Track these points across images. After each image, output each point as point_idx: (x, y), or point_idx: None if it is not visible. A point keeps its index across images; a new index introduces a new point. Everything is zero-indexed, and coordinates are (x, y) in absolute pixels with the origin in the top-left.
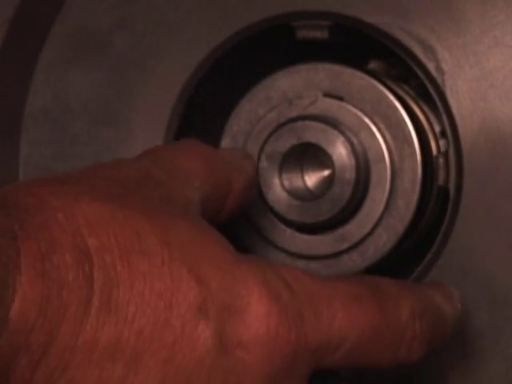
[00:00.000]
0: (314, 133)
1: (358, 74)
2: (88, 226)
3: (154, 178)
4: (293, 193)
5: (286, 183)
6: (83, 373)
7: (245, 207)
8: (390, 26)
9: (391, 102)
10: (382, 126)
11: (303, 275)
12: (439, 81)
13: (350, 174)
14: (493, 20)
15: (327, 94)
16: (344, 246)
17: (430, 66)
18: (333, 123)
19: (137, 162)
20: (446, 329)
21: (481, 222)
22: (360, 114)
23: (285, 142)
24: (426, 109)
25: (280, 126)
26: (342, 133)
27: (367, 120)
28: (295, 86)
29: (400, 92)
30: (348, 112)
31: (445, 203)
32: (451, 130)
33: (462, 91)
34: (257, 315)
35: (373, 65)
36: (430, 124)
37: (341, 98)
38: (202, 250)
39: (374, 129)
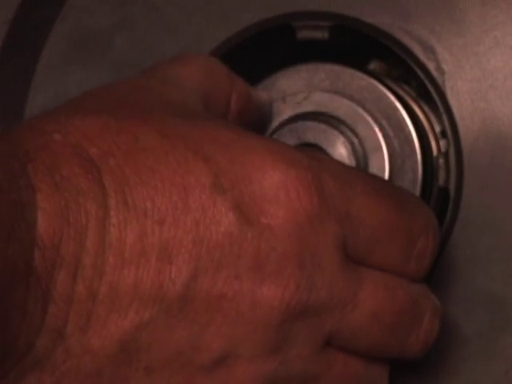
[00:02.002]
0: (314, 133)
1: (359, 74)
2: (85, 138)
3: (145, 87)
4: None
5: None
6: (120, 275)
7: (259, 116)
8: (391, 26)
9: (392, 102)
10: (378, 117)
11: (326, 155)
12: (439, 81)
13: None
14: (493, 21)
15: None
16: None
17: (431, 67)
18: (333, 123)
19: (128, 79)
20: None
21: (481, 223)
22: (355, 105)
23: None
24: (426, 109)
25: (280, 126)
26: (342, 133)
27: (361, 111)
28: (296, 85)
29: (400, 92)
30: (342, 104)
31: (445, 203)
32: (451, 131)
33: (463, 91)
34: (274, 181)
35: (373, 65)
36: (431, 124)
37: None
38: (203, 134)
39: (371, 120)
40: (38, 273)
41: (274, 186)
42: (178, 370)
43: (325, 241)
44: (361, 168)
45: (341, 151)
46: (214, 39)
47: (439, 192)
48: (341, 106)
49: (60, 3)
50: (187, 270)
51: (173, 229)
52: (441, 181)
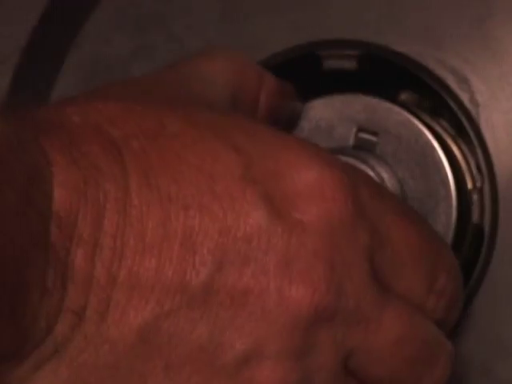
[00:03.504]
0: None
1: (396, 109)
2: (107, 120)
3: (171, 80)
4: None
5: None
6: (141, 260)
7: (288, 118)
8: (422, 55)
9: (429, 140)
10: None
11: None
12: (473, 113)
13: None
14: None
15: (362, 129)
16: None
17: (464, 98)
18: (363, 158)
19: (154, 72)
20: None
21: None
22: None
23: None
24: (459, 142)
25: None
26: (372, 168)
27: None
28: (330, 117)
29: (438, 129)
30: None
31: (480, 241)
32: (486, 165)
33: (498, 124)
34: (308, 179)
35: (404, 96)
36: (467, 161)
37: (376, 133)
38: (234, 126)
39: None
40: (55, 249)
41: (309, 183)
42: (199, 369)
43: (356, 248)
44: None
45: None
46: None
47: (473, 229)
48: None
49: (74, 31)
50: (212, 260)
51: (198, 216)
52: (474, 218)
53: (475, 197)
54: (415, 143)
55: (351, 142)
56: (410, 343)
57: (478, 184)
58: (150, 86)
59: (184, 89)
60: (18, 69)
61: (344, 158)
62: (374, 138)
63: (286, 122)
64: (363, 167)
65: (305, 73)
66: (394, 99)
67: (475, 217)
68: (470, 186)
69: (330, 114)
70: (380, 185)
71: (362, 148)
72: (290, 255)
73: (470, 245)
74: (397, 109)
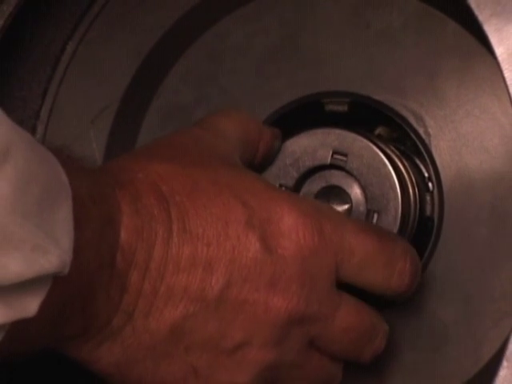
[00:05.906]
0: (337, 178)
1: (359, 137)
2: (160, 179)
3: (201, 138)
4: None
5: None
6: (175, 279)
7: (272, 157)
8: (392, 101)
9: (382, 159)
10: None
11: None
12: (427, 141)
13: (363, 207)
14: (465, 98)
15: (336, 152)
16: None
17: (420, 131)
18: (350, 171)
19: (189, 129)
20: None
21: (457, 242)
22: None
23: (316, 185)
24: (417, 161)
25: (312, 172)
26: (357, 179)
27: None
28: (313, 144)
29: (388, 151)
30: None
31: (431, 229)
32: (435, 176)
33: (443, 148)
34: (288, 225)
35: (379, 130)
36: (409, 173)
37: (345, 155)
38: (242, 184)
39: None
40: (118, 268)
41: (288, 228)
42: (208, 350)
43: (321, 269)
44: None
45: (356, 191)
46: (266, 111)
47: (427, 220)
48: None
49: (155, 86)
50: (223, 280)
51: (215, 250)
52: (428, 212)
53: (428, 198)
54: (372, 161)
55: (329, 161)
56: (355, 329)
57: (430, 189)
58: (189, 145)
59: (211, 147)
60: (117, 112)
61: (325, 173)
62: (344, 158)
63: (269, 157)
64: (342, 174)
65: (311, 114)
66: (372, 132)
67: (428, 211)
68: (411, 190)
69: (314, 142)
70: (341, 214)
71: (336, 165)
72: (275, 278)
73: (424, 231)
74: (360, 138)
